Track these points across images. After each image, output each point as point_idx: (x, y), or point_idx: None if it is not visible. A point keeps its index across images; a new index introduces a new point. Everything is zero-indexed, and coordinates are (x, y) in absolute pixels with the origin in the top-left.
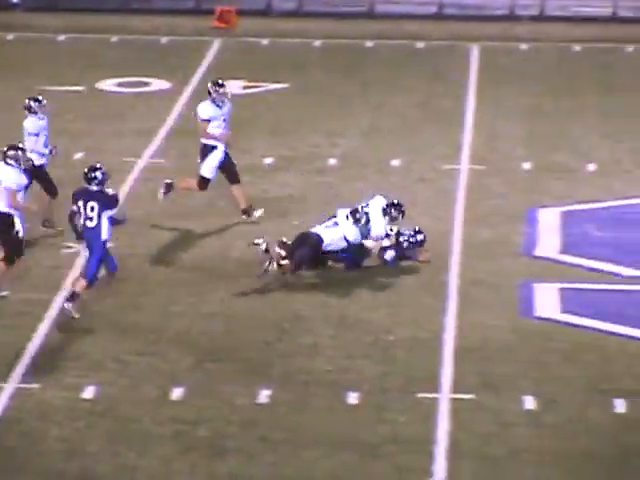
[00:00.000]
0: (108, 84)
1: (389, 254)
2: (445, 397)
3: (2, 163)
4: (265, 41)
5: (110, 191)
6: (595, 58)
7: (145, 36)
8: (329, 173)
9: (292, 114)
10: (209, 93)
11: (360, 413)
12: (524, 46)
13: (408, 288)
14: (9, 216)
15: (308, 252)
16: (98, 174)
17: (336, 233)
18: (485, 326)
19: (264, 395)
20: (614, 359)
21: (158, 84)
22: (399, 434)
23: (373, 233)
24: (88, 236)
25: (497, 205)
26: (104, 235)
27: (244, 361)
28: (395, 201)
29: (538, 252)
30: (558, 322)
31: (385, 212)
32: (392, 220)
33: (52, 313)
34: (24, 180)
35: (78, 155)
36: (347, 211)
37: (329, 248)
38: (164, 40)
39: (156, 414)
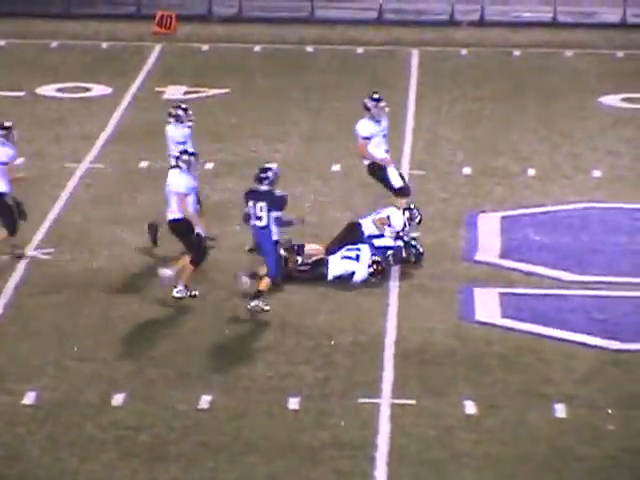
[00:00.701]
0: (48, 89)
1: (398, 242)
2: (386, 402)
3: (173, 169)
4: (205, 46)
5: (279, 192)
6: (535, 63)
7: (86, 41)
8: None
9: (233, 119)
10: (367, 109)
11: (301, 418)
12: (464, 51)
13: (349, 293)
14: (184, 221)
15: (308, 277)
16: (270, 174)
17: (348, 266)
18: (426, 331)
19: (205, 401)
20: (553, 363)
21: (99, 89)
22: (340, 439)
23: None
24: (259, 236)
25: (437, 210)
26: (274, 236)
27: (185, 367)
28: (412, 205)
29: (478, 257)
30: (498, 326)
31: (404, 211)
32: (411, 219)
33: None
34: (193, 183)
35: (18, 160)
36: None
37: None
38: (105, 45)
39: (97, 420)
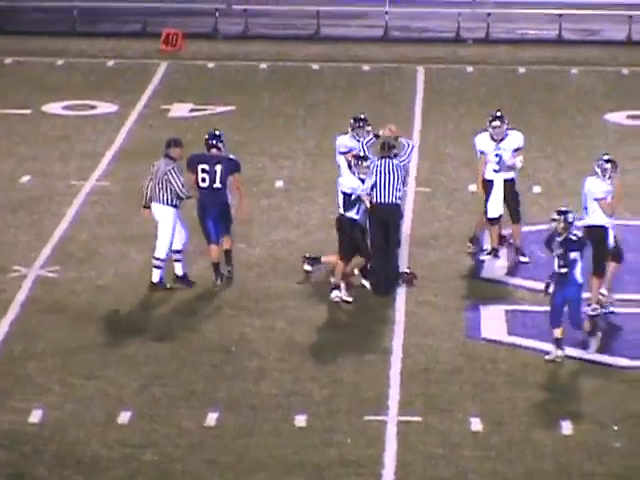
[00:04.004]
0: (55, 107)
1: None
2: (392, 419)
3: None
4: (211, 64)
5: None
6: (540, 80)
7: (92, 59)
8: (276, 195)
9: (238, 136)
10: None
11: (307, 436)
12: (470, 68)
13: (354, 310)
14: (602, 228)
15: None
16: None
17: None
18: (432, 348)
19: (211, 418)
20: (559, 380)
21: (104, 107)
22: (346, 457)
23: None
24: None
25: (443, 227)
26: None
27: (191, 384)
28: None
29: (484, 274)
30: (504, 344)
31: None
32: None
33: None
34: (609, 188)
35: (24, 179)
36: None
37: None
38: (110, 63)
39: (104, 438)
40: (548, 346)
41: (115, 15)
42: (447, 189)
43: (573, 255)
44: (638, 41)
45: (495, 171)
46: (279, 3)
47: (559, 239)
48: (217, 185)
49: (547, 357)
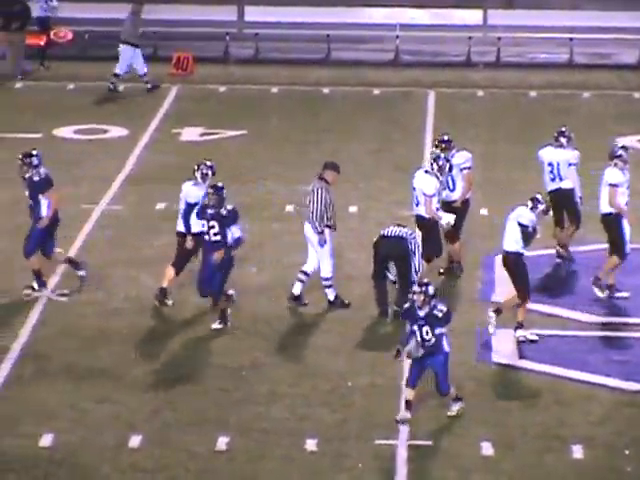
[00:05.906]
0: (66, 131)
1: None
2: (403, 444)
3: None
4: (222, 88)
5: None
6: (551, 104)
7: (102, 83)
8: (286, 220)
9: (249, 161)
10: (617, 157)
11: (319, 461)
12: (480, 92)
13: (364, 335)
14: None
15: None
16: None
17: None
18: None
19: (222, 443)
20: (571, 405)
21: (116, 131)
22: None
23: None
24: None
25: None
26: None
27: (202, 409)
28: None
29: (495, 298)
30: (515, 368)
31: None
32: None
33: (9, 360)
34: None
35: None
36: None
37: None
38: (122, 87)
39: (115, 462)
40: (559, 370)
41: None
42: None
43: (439, 330)
44: None
45: (626, 204)
46: (290, 27)
47: (421, 313)
48: None
49: (397, 417)
